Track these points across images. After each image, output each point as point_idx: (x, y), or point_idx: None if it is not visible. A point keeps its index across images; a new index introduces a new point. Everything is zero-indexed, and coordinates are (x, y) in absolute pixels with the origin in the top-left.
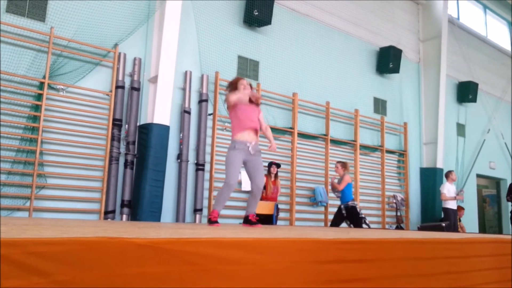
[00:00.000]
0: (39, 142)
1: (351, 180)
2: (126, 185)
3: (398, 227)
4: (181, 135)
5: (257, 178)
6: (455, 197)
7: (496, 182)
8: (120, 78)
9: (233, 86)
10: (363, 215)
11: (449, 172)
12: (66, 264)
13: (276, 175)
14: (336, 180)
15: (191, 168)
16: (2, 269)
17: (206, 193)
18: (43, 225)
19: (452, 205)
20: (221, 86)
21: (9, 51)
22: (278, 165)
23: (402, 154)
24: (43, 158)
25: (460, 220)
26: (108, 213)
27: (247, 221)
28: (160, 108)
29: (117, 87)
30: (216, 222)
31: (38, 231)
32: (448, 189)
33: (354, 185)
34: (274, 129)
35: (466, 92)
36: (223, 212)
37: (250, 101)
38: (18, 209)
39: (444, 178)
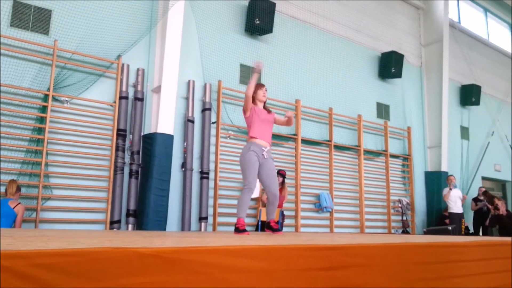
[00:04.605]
0: (44, 154)
1: None
2: (131, 194)
3: (404, 232)
4: (185, 144)
5: (271, 186)
6: (450, 188)
7: (502, 184)
8: (124, 88)
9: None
10: None
11: (448, 176)
12: (72, 275)
13: (282, 183)
14: None
15: (195, 177)
16: (8, 281)
17: (211, 201)
18: (48, 237)
19: (456, 209)
20: (223, 95)
21: (13, 65)
22: (283, 176)
23: (406, 158)
24: (48, 170)
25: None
26: (114, 223)
27: (268, 227)
28: (164, 118)
29: (121, 97)
30: (245, 230)
31: (44, 242)
32: (447, 191)
33: (359, 190)
34: (278, 136)
35: (469, 95)
36: (229, 219)
37: (264, 107)
38: (25, 221)
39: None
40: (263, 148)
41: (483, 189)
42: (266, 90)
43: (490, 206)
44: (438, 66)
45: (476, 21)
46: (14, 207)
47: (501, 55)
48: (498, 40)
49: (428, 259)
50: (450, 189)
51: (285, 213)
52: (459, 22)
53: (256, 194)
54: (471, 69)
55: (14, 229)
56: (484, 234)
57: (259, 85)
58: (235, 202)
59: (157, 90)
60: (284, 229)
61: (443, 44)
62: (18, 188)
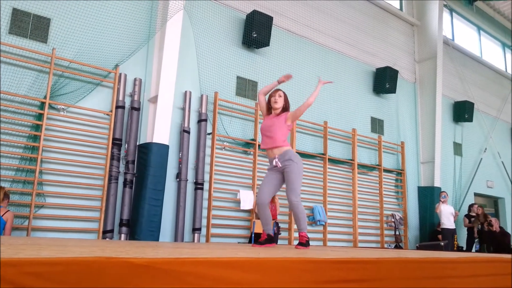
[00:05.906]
0: (39, 162)
1: None
2: (125, 204)
3: (397, 246)
4: (180, 154)
5: (287, 192)
6: (440, 200)
7: (494, 200)
8: (121, 98)
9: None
10: None
11: (441, 192)
12: (63, 284)
13: None
14: None
15: (190, 187)
16: None
17: (204, 212)
18: (41, 245)
19: (449, 225)
20: (220, 106)
21: (11, 72)
22: None
23: (399, 173)
24: (42, 178)
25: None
26: (107, 233)
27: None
28: (160, 128)
29: (117, 107)
30: (261, 243)
31: (35, 250)
32: (438, 206)
33: (352, 204)
34: None
35: (462, 111)
36: (223, 231)
37: (283, 109)
38: (17, 228)
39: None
40: (272, 161)
41: (476, 206)
42: (280, 95)
43: (485, 226)
44: (432, 82)
45: (469, 39)
46: (2, 215)
47: (493, 72)
48: (491, 58)
49: (421, 275)
50: (441, 201)
51: (280, 225)
52: (453, 40)
53: (250, 206)
54: (464, 86)
55: (4, 236)
56: (478, 251)
57: (272, 92)
58: (229, 213)
59: (154, 100)
60: (278, 241)
61: (436, 60)
62: (6, 195)
